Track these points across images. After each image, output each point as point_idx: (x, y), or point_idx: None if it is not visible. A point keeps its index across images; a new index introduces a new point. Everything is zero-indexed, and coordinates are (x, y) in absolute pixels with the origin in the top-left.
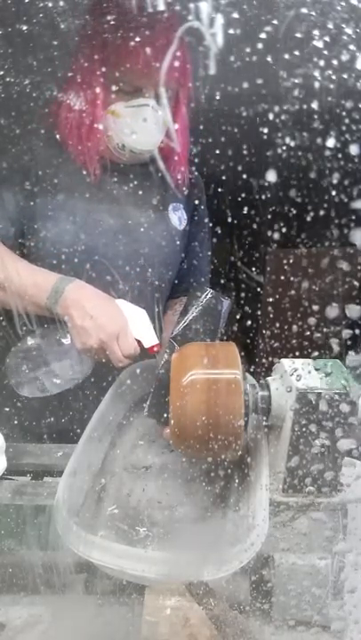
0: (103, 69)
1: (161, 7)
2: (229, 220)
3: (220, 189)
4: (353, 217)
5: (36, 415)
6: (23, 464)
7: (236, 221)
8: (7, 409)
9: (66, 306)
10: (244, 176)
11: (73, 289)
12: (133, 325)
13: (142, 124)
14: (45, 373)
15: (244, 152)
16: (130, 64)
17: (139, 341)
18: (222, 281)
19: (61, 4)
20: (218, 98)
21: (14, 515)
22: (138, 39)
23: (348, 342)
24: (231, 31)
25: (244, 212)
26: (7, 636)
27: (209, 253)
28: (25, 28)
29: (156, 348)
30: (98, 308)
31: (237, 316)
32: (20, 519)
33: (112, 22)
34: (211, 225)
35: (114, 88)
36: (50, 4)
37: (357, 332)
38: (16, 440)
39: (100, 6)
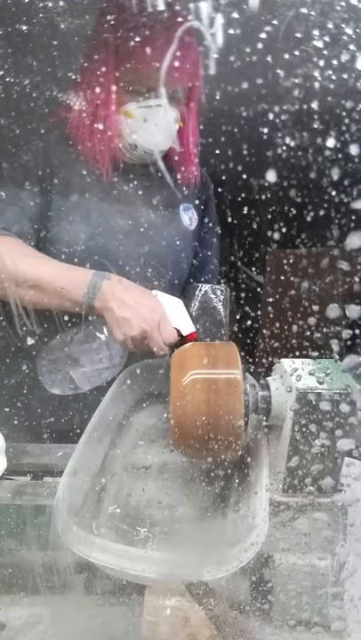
0: (115, 70)
1: (171, 8)
2: (229, 219)
3: (220, 189)
4: (353, 217)
5: (37, 415)
6: (23, 464)
7: (236, 221)
8: (7, 409)
9: (105, 300)
10: (244, 176)
11: (110, 283)
12: (172, 315)
13: (154, 125)
14: (77, 370)
15: (244, 152)
16: (142, 65)
17: (177, 330)
18: (222, 281)
19: (73, 4)
20: (218, 98)
21: (14, 515)
22: (149, 40)
23: (349, 342)
24: (232, 31)
25: (245, 212)
26: (7, 635)
27: (218, 254)
28: (38, 28)
29: (192, 336)
30: (137, 299)
31: (237, 316)
32: (20, 519)
33: (123, 23)
34: (218, 225)
35: (126, 89)
36: (62, 4)
37: (357, 331)
38: (16, 440)
39: (111, 7)
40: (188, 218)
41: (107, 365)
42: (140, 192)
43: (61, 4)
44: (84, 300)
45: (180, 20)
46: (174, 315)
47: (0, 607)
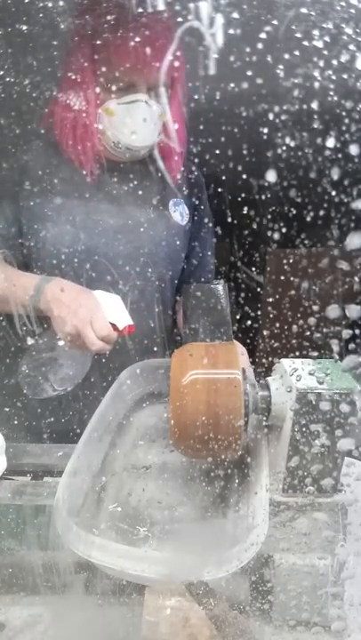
0: (94, 67)
1: (148, 2)
2: (229, 219)
3: (220, 189)
4: (353, 217)
5: (36, 415)
6: (23, 464)
7: (236, 221)
8: (7, 409)
9: (46, 301)
10: (244, 176)
11: (52, 286)
12: (108, 310)
13: (136, 121)
14: (48, 374)
15: (244, 152)
16: (119, 60)
17: (114, 325)
18: (222, 281)
19: (50, 3)
20: (217, 98)
21: (14, 515)
22: (126, 35)
23: (349, 342)
24: (230, 30)
25: (245, 212)
26: (7, 636)
27: (212, 250)
28: (17, 27)
29: (129, 330)
30: (72, 298)
31: (237, 316)
32: (20, 519)
33: (100, 19)
34: (212, 222)
35: (105, 86)
36: (39, 4)
37: (358, 331)
38: (16, 440)
39: (87, 4)
40: (179, 214)
41: (75, 370)
42: (129, 190)
43: (39, 4)
44: (30, 302)
45: (157, 13)
46: (111, 310)
47: (0, 607)
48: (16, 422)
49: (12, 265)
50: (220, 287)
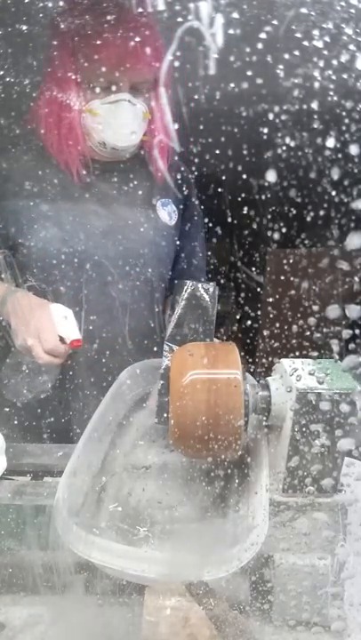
0: (76, 68)
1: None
2: (229, 219)
3: (220, 189)
4: (353, 217)
5: (36, 415)
6: (23, 464)
7: (236, 221)
8: (7, 409)
9: (7, 313)
10: (244, 176)
11: (14, 298)
12: (59, 324)
13: (120, 121)
14: (22, 380)
15: (244, 152)
16: (100, 59)
17: (62, 339)
18: (222, 281)
19: (37, 3)
20: (217, 97)
21: (14, 515)
22: (107, 33)
23: (349, 342)
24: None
25: (245, 212)
26: (7, 636)
27: (203, 248)
28: (4, 27)
29: (76, 343)
30: (27, 311)
31: (237, 316)
32: (20, 519)
33: (81, 18)
34: (208, 223)
35: (88, 86)
36: (23, 2)
37: (358, 331)
38: (16, 440)
39: (67, 3)
40: (167, 213)
41: (43, 377)
42: (116, 190)
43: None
44: None
45: (135, 10)
46: (62, 324)
47: (0, 607)
48: (16, 422)
49: (12, 266)
50: (208, 287)
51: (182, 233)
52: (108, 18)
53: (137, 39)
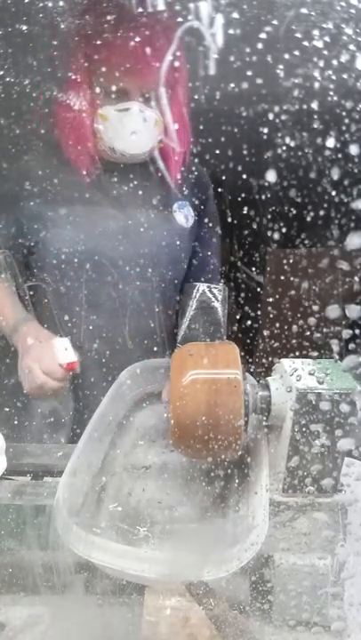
0: (90, 73)
1: (142, 6)
2: (229, 219)
3: (220, 189)
4: (353, 217)
5: (36, 415)
6: (23, 464)
7: (236, 221)
8: (7, 409)
9: (16, 340)
10: (244, 176)
11: (25, 330)
12: (60, 354)
13: (130, 128)
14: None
15: (244, 152)
16: (114, 66)
17: (61, 365)
18: (222, 281)
19: (49, 3)
20: (217, 97)
21: (14, 515)
22: (118, 41)
23: (349, 342)
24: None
25: (245, 212)
26: (7, 636)
27: (215, 251)
28: (16, 27)
29: (71, 365)
30: (32, 343)
31: (237, 316)
32: (20, 519)
33: (93, 25)
34: (217, 224)
35: (102, 91)
36: (38, 4)
37: (358, 331)
38: (16, 440)
39: (82, 8)
40: (184, 216)
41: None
42: (130, 193)
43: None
44: (9, 336)
45: (153, 17)
46: (62, 354)
47: (0, 607)
48: (16, 422)
49: (12, 266)
50: (218, 289)
51: (199, 237)
52: (122, 26)
53: (149, 49)
